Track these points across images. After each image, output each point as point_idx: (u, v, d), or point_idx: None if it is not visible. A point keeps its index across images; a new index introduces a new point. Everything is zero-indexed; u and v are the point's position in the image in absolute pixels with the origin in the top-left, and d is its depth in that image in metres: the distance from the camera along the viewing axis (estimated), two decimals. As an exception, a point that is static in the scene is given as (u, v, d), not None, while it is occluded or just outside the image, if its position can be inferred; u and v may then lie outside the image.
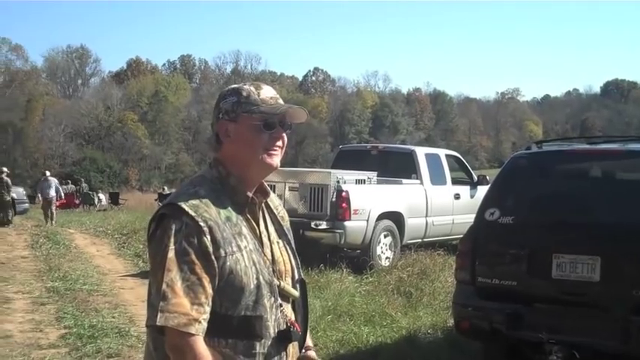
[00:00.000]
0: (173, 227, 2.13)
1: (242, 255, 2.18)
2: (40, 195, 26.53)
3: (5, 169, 23.89)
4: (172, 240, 2.12)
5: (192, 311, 2.07)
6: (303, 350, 2.41)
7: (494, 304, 5.71)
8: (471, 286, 5.94)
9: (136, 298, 9.62)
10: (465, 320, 5.99)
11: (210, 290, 2.11)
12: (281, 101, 2.30)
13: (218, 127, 2.27)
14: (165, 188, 40.88)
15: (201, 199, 2.19)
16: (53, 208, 25.35)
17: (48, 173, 28.07)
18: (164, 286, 2.08)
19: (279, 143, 2.27)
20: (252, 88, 2.27)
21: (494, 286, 5.78)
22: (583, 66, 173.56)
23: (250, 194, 2.28)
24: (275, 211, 2.43)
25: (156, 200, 35.53)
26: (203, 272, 2.11)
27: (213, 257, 2.12)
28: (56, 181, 27.52)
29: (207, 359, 2.08)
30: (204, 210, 2.15)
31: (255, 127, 2.23)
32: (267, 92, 2.28)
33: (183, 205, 2.15)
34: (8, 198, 22.66)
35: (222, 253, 2.13)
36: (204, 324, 2.09)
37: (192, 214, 2.13)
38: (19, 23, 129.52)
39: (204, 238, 2.12)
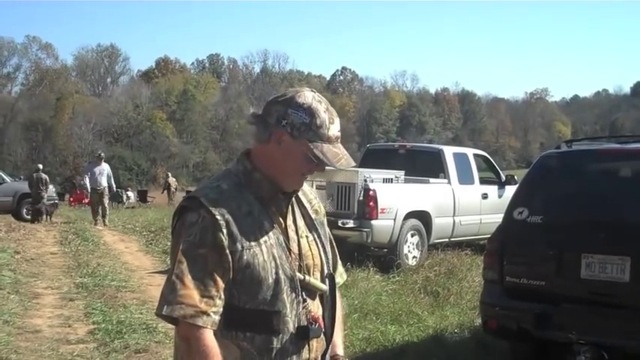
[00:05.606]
0: (190, 220, 2.16)
1: (261, 249, 2.18)
2: (86, 183, 19.99)
3: (40, 165, 24.03)
4: (187, 232, 2.15)
5: (200, 303, 2.09)
6: (329, 357, 2.39)
7: (523, 303, 5.68)
8: (498, 286, 5.90)
9: (163, 295, 9.60)
10: (493, 320, 5.96)
11: (222, 284, 2.13)
12: (339, 141, 2.27)
13: (275, 130, 2.21)
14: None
15: (221, 192, 2.20)
16: (105, 201, 19.93)
17: (103, 155, 21.23)
18: (173, 277, 2.11)
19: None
20: (326, 119, 2.20)
21: (523, 286, 5.74)
22: (613, 66, 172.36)
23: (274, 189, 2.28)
24: (309, 204, 2.41)
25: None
26: (215, 265, 2.12)
27: (227, 251, 2.13)
28: (109, 168, 20.41)
29: (212, 351, 2.08)
30: (222, 203, 2.17)
31: (308, 159, 2.21)
32: (336, 129, 2.23)
33: (202, 199, 2.17)
34: (44, 194, 22.03)
35: (239, 247, 2.14)
36: (214, 317, 2.11)
37: (210, 207, 2.15)
38: (50, 22, 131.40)
39: (220, 232, 2.13)
